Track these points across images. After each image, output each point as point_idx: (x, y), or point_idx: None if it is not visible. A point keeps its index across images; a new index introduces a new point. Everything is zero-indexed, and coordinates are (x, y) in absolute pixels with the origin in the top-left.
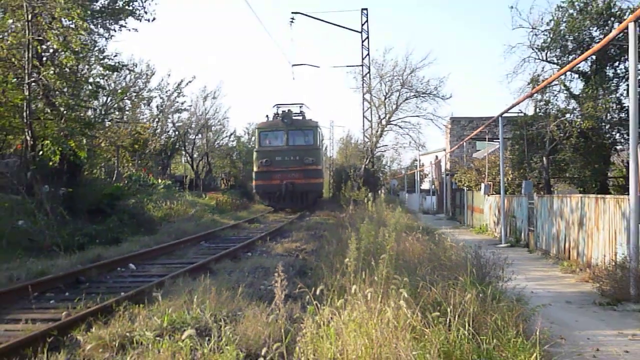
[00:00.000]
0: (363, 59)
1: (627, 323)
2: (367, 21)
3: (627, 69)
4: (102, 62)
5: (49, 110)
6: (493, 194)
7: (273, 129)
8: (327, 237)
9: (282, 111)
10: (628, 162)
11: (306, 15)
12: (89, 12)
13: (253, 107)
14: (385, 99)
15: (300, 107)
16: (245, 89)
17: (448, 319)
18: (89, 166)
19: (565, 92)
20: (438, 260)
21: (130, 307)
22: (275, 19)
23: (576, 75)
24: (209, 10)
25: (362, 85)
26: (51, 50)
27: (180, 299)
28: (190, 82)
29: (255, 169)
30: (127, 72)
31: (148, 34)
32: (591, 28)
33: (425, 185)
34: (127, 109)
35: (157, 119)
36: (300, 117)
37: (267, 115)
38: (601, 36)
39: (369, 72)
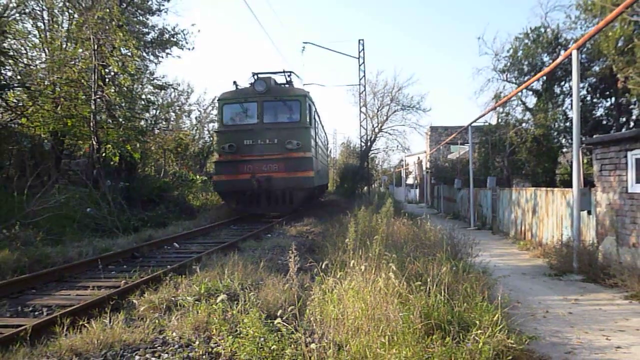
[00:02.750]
0: (360, 79)
1: (571, 290)
2: (363, 49)
3: (571, 87)
4: (152, 82)
5: (110, 121)
6: (464, 187)
7: (241, 100)
8: (332, 222)
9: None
10: (572, 162)
11: (314, 44)
12: (142, 43)
13: None
14: (378, 111)
15: (289, 76)
16: None
17: (428, 287)
18: (142, 165)
19: (521, 105)
20: (420, 240)
21: (174, 277)
22: (290, 47)
23: (530, 92)
24: (239, 40)
25: (359, 100)
26: (112, 73)
27: (214, 271)
28: None
29: (215, 157)
30: (172, 90)
31: (189, 59)
32: (542, 54)
33: (410, 180)
34: (172, 119)
35: (195, 128)
36: (285, 86)
37: (234, 82)
38: (550, 61)
39: (364, 90)
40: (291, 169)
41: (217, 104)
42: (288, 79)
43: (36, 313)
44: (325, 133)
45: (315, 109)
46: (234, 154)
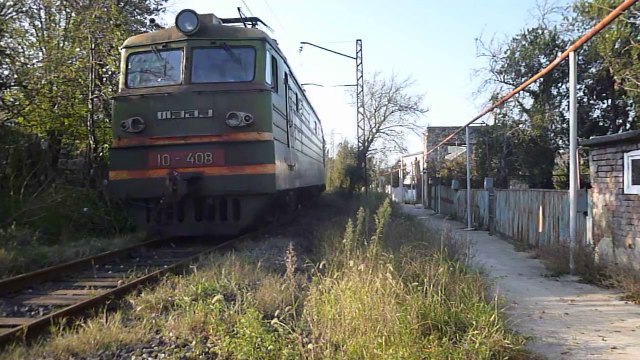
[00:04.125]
0: (357, 79)
1: (567, 291)
2: (361, 49)
3: (568, 89)
4: None
5: (107, 120)
6: (461, 188)
7: (158, 47)
8: (330, 222)
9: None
10: (569, 163)
11: (312, 44)
12: None
13: None
14: (375, 111)
15: (253, 24)
16: None
17: (425, 288)
18: None
19: (518, 107)
20: (417, 240)
21: (171, 277)
22: (289, 47)
23: (527, 94)
24: None
25: (357, 100)
26: (109, 72)
27: (211, 271)
28: None
29: (114, 141)
30: None
31: None
32: (539, 56)
33: (407, 181)
34: None
35: None
36: (231, 25)
37: (152, 20)
38: (547, 62)
39: (362, 90)
40: (236, 161)
41: (121, 55)
42: (252, 26)
43: (32, 313)
44: (318, 119)
45: (289, 70)
46: (140, 135)
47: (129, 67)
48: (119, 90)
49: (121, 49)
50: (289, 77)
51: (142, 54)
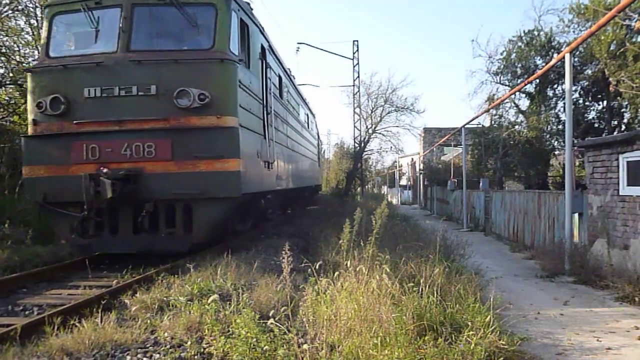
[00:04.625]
0: (354, 80)
1: (562, 292)
2: (357, 50)
3: (563, 90)
4: None
5: None
6: (457, 189)
7: (89, 4)
8: (327, 222)
9: None
10: (564, 165)
11: (309, 45)
12: None
13: None
14: (372, 112)
15: None
16: None
17: (420, 289)
18: None
19: (514, 108)
20: (413, 241)
21: (167, 277)
22: (285, 47)
23: (523, 95)
24: None
25: (353, 101)
26: None
27: (207, 271)
28: None
29: (29, 128)
30: None
31: None
32: (535, 57)
33: (403, 182)
34: None
35: None
36: None
37: None
38: (543, 64)
39: (358, 91)
40: (187, 155)
41: (43, 19)
42: None
43: (27, 312)
44: (311, 113)
45: (270, 45)
46: (61, 118)
47: (53, 31)
48: (40, 58)
49: (44, 8)
50: (268, 53)
51: (69, 14)
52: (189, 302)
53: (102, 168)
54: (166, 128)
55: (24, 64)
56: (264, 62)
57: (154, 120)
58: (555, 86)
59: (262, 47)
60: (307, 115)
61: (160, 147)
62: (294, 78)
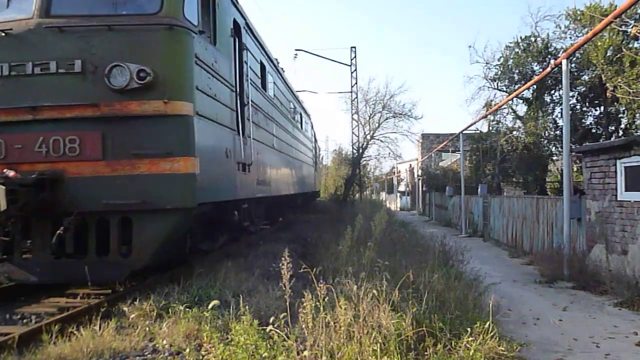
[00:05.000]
0: (352, 86)
1: (561, 297)
2: (355, 56)
3: (561, 96)
4: None
5: None
6: (455, 195)
7: None
8: (325, 229)
9: None
10: (562, 170)
11: (307, 51)
12: None
13: None
14: (370, 118)
15: None
16: None
17: (420, 294)
18: None
19: (512, 114)
20: (412, 247)
21: (166, 284)
22: (283, 54)
23: (521, 101)
24: None
25: (351, 107)
26: None
27: (206, 278)
28: None
29: None
30: None
31: None
32: (533, 63)
33: (402, 188)
34: None
35: None
36: None
37: None
38: (540, 70)
39: (356, 97)
40: (123, 152)
41: None
42: None
43: (25, 321)
44: (306, 114)
45: (247, 23)
46: None
47: None
48: None
49: None
50: (245, 32)
51: None
52: (187, 309)
53: (5, 170)
54: (95, 117)
55: None
56: (237, 41)
57: (79, 106)
58: (553, 92)
59: (236, 23)
60: (301, 115)
61: (86, 142)
62: (283, 71)
